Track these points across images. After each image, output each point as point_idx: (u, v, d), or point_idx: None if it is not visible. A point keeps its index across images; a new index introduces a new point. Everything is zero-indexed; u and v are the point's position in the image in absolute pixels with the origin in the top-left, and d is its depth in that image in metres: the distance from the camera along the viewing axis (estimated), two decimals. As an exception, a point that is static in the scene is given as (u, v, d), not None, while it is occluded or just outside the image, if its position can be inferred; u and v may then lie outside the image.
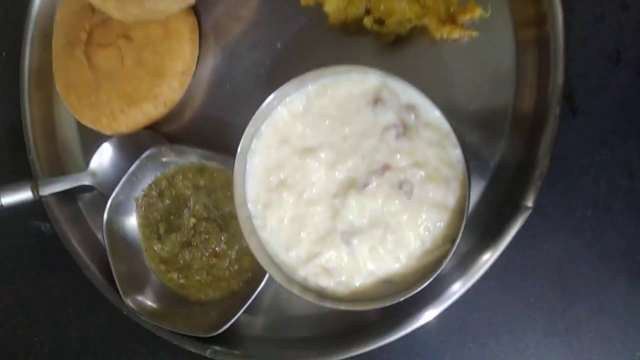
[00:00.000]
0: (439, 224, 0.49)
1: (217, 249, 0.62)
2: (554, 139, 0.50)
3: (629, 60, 0.51)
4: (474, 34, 0.54)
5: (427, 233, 0.49)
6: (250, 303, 0.58)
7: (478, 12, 0.54)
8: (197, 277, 0.63)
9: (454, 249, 0.47)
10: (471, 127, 0.55)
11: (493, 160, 0.55)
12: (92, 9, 0.64)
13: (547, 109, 0.50)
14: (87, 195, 0.71)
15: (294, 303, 0.60)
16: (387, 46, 0.57)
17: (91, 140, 0.69)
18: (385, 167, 0.49)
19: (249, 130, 0.53)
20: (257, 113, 0.52)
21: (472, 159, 0.53)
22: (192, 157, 0.64)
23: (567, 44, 0.50)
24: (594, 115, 0.53)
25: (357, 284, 0.51)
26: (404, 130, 0.48)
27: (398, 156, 0.49)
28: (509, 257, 0.52)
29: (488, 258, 0.51)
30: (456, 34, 0.54)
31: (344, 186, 0.50)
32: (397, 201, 0.49)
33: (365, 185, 0.49)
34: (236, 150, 0.54)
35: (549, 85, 0.51)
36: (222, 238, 0.62)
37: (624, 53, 0.52)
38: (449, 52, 0.56)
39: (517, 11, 0.54)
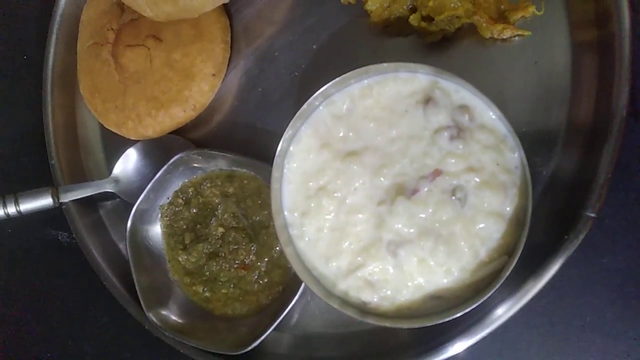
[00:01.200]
0: (495, 234, 0.45)
1: (246, 260, 0.59)
2: (617, 146, 0.46)
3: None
4: (527, 33, 0.52)
5: (481, 244, 0.45)
6: (281, 319, 0.54)
7: (531, 10, 0.51)
8: (224, 290, 0.59)
9: (514, 262, 0.43)
10: (523, 132, 0.51)
11: (547, 168, 0.51)
12: (121, 7, 0.63)
13: (610, 115, 0.47)
14: (109, 203, 0.68)
15: (324, 320, 0.56)
16: (432, 46, 0.54)
17: (115, 145, 0.67)
18: (437, 173, 0.46)
19: (287, 133, 0.50)
20: (297, 114, 0.49)
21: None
22: (221, 163, 0.61)
23: (633, 45, 0.47)
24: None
25: (403, 299, 0.47)
26: (458, 132, 0.45)
27: (452, 160, 0.45)
28: (563, 272, 0.48)
29: (544, 274, 0.47)
30: (507, 33, 0.51)
31: (391, 193, 0.47)
32: (449, 209, 0.45)
33: (414, 191, 0.46)
34: (268, 156, 0.51)
35: (612, 90, 0.47)
36: (252, 249, 0.59)
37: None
38: (499, 52, 0.53)
39: (575, 9, 0.51)
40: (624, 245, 0.50)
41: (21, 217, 0.62)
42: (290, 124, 0.49)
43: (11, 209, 0.61)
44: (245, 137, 0.62)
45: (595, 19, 0.49)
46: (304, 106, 0.49)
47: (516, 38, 0.52)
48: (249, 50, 0.63)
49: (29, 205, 0.62)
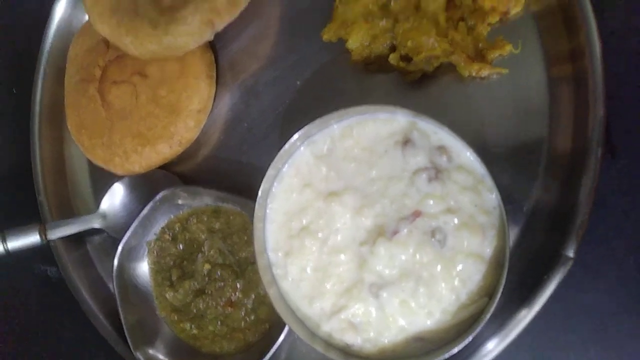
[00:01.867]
0: (475, 276, 0.45)
1: (232, 297, 0.59)
2: (594, 184, 0.47)
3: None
4: (504, 71, 0.52)
5: (462, 286, 0.45)
6: (269, 358, 0.54)
7: (508, 49, 0.52)
8: (211, 328, 0.60)
9: (494, 304, 0.43)
10: (503, 169, 0.52)
11: (527, 204, 0.51)
12: (107, 45, 0.63)
13: (586, 152, 0.48)
14: (97, 237, 0.68)
15: (312, 359, 0.56)
16: (412, 84, 0.54)
17: (102, 179, 0.67)
18: (416, 214, 0.46)
19: (270, 172, 0.50)
20: (279, 154, 0.50)
21: (505, 202, 0.49)
22: (207, 199, 0.61)
23: (606, 80, 0.47)
24: (634, 156, 0.50)
25: (386, 341, 0.47)
26: (436, 173, 0.46)
27: (430, 202, 0.46)
28: (547, 308, 0.49)
29: (526, 313, 0.48)
30: (485, 72, 0.52)
31: (372, 233, 0.47)
32: (429, 250, 0.45)
33: (395, 232, 0.46)
34: (253, 192, 0.52)
35: (587, 126, 0.48)
36: (238, 286, 0.59)
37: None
38: (478, 89, 0.53)
39: (550, 46, 0.52)
40: (604, 281, 0.50)
41: (8, 255, 0.62)
42: (272, 164, 0.50)
43: None
44: (231, 171, 0.63)
45: (570, 55, 0.50)
46: (286, 146, 0.50)
47: (494, 75, 0.53)
48: (234, 85, 0.63)
49: (16, 243, 0.62)
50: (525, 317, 0.47)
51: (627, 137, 0.50)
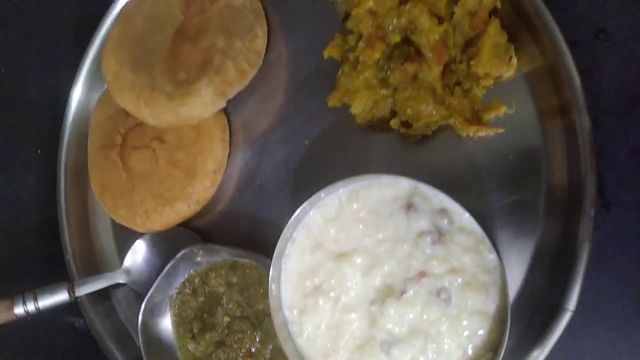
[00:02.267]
0: (480, 331, 0.48)
1: (251, 348, 0.62)
2: (590, 239, 0.49)
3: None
4: (500, 130, 0.55)
5: (468, 342, 0.48)
6: None
7: (503, 110, 0.55)
8: None
9: (499, 358, 0.46)
10: (504, 222, 0.55)
11: (528, 255, 0.54)
12: (127, 113, 0.67)
13: (581, 208, 0.50)
14: (121, 290, 0.72)
15: None
16: (413, 143, 0.58)
17: (125, 236, 0.71)
18: (422, 274, 0.49)
19: (283, 234, 0.53)
20: (291, 219, 0.53)
21: (506, 258, 0.52)
22: (224, 254, 0.64)
23: (595, 135, 0.50)
24: (628, 209, 0.53)
25: (399, 395, 0.49)
26: (439, 236, 0.49)
27: (434, 263, 0.48)
28: (552, 356, 0.51)
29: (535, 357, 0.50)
30: (482, 132, 0.55)
31: (381, 293, 0.50)
32: (435, 309, 0.48)
33: (403, 292, 0.49)
34: (267, 245, 0.55)
35: (580, 182, 0.51)
36: (256, 337, 0.62)
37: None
38: (476, 146, 0.56)
39: (542, 105, 0.55)
40: (604, 330, 0.52)
41: (39, 313, 0.66)
42: (285, 227, 0.53)
43: (30, 307, 0.64)
44: (246, 225, 0.66)
45: (560, 113, 0.53)
46: (297, 211, 0.53)
47: (491, 134, 0.56)
48: (246, 144, 0.67)
49: (46, 301, 0.65)
50: (531, 367, 0.50)
51: (620, 192, 0.53)
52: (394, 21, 0.51)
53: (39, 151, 0.79)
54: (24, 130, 0.78)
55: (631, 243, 0.52)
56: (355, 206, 0.52)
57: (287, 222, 0.53)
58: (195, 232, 0.68)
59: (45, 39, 0.74)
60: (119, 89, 0.62)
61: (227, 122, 0.67)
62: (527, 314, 0.52)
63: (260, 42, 0.61)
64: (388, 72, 0.52)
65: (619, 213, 0.53)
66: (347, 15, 0.56)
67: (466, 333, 0.48)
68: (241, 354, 0.62)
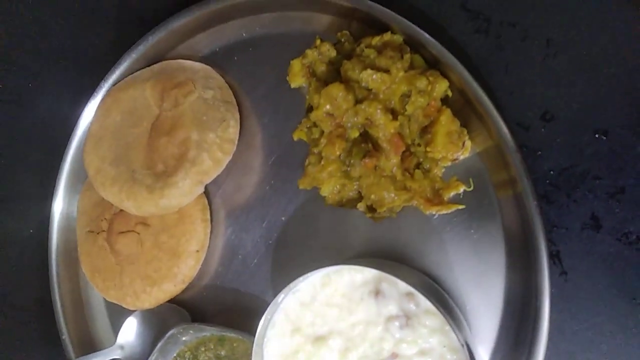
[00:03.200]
0: (451, 408, 0.51)
1: (243, 420, 0.65)
2: (548, 310, 0.53)
3: (609, 226, 0.55)
4: (461, 207, 0.59)
5: (441, 418, 0.51)
6: None
7: (461, 188, 0.59)
8: None
9: None
10: (472, 290, 0.58)
11: (497, 321, 0.58)
12: (111, 201, 0.71)
13: (538, 276, 0.54)
14: None
15: None
16: (382, 221, 0.61)
17: (117, 311, 0.74)
18: (394, 355, 0.52)
19: (264, 319, 0.56)
20: (270, 305, 0.56)
21: (473, 332, 0.56)
22: (211, 331, 0.68)
23: (548, 209, 0.54)
24: (583, 279, 0.57)
25: None
26: (407, 320, 0.52)
27: (404, 345, 0.52)
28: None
29: None
30: (444, 210, 0.58)
31: (358, 375, 0.53)
32: (409, 389, 0.52)
33: (377, 374, 0.52)
34: (252, 317, 0.58)
35: (535, 250, 0.54)
36: (248, 408, 0.65)
37: (602, 220, 0.55)
38: (440, 222, 0.60)
39: (495, 179, 0.59)
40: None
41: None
42: (265, 312, 0.56)
43: None
44: (231, 297, 0.69)
45: (511, 187, 0.57)
46: (275, 298, 0.56)
47: (453, 210, 0.59)
48: (228, 220, 0.70)
49: None
50: None
51: (576, 262, 0.56)
52: (352, 119, 0.55)
53: (31, 231, 0.83)
54: (17, 212, 0.82)
55: (588, 309, 0.56)
56: (328, 291, 0.56)
57: (268, 295, 0.57)
58: (183, 306, 0.71)
59: (30, 130, 0.79)
60: (101, 183, 0.65)
61: (207, 202, 0.70)
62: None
63: (233, 130, 0.65)
64: (350, 167, 0.56)
65: (576, 281, 0.56)
66: (311, 108, 0.60)
67: (438, 410, 0.51)
68: None
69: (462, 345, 0.50)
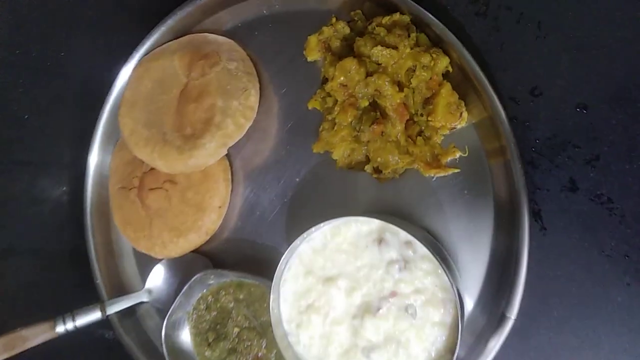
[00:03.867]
0: (440, 338, 0.60)
1: (259, 354, 0.74)
2: (527, 256, 0.62)
3: (584, 188, 0.63)
4: (456, 170, 0.67)
5: (431, 346, 0.60)
6: None
7: (458, 154, 0.66)
8: None
9: (454, 358, 0.58)
10: (463, 244, 0.67)
11: (483, 270, 0.66)
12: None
13: (520, 231, 0.62)
14: (144, 306, 0.83)
15: None
16: (386, 182, 0.69)
17: (145, 261, 0.81)
18: (393, 294, 0.61)
19: (280, 264, 0.65)
20: (286, 251, 0.64)
21: (462, 276, 0.64)
22: (231, 276, 0.76)
23: (526, 173, 0.62)
24: (559, 234, 0.65)
25: (378, 389, 0.62)
26: (405, 264, 0.60)
27: (402, 285, 0.60)
28: (503, 354, 0.64)
29: (489, 351, 0.63)
30: (442, 173, 0.66)
31: (361, 309, 0.62)
32: (404, 322, 0.60)
33: (378, 309, 0.61)
34: (267, 265, 0.66)
35: (519, 211, 0.62)
36: (262, 344, 0.74)
37: (579, 182, 0.63)
38: (438, 184, 0.68)
39: (487, 147, 0.66)
40: (545, 328, 0.65)
41: (76, 330, 0.77)
42: (282, 257, 0.64)
43: (69, 325, 0.76)
44: (249, 249, 0.76)
45: (500, 152, 0.64)
46: (292, 244, 0.64)
47: (450, 174, 0.67)
48: (247, 181, 0.77)
49: (82, 320, 0.76)
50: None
51: (554, 219, 0.64)
52: (363, 90, 0.62)
53: (64, 189, 0.91)
54: (53, 171, 0.89)
55: (562, 260, 0.64)
56: (337, 239, 0.64)
57: (283, 247, 0.64)
58: (206, 256, 0.79)
59: (65, 98, 0.86)
60: (135, 144, 0.73)
61: (229, 164, 0.77)
62: (480, 322, 0.64)
63: (254, 98, 0.72)
64: (359, 132, 0.64)
65: (553, 236, 0.64)
66: (325, 80, 0.67)
67: (429, 339, 0.60)
68: (250, 359, 0.74)
69: (451, 285, 0.58)
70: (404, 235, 0.61)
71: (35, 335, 0.76)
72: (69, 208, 0.87)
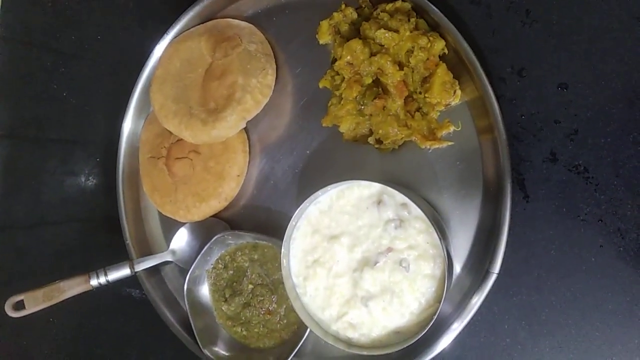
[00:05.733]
0: (430, 289, 0.67)
1: (270, 307, 0.82)
2: (509, 219, 0.69)
3: (563, 160, 0.70)
4: (450, 143, 0.74)
5: (422, 296, 0.67)
6: (298, 349, 0.75)
7: (452, 128, 0.73)
8: (256, 330, 0.80)
9: (440, 307, 0.65)
10: (454, 208, 0.74)
11: (471, 233, 0.73)
12: (170, 132, 0.87)
13: (504, 197, 0.69)
14: (168, 266, 0.92)
15: (329, 349, 0.75)
16: (386, 153, 0.77)
17: (170, 225, 0.89)
18: (389, 249, 0.68)
19: (290, 224, 0.73)
20: (295, 212, 0.72)
21: (452, 236, 0.72)
22: (247, 238, 0.84)
23: (512, 145, 0.69)
24: (541, 201, 0.72)
25: (375, 335, 0.69)
26: (400, 223, 0.68)
27: (397, 241, 0.68)
28: (488, 308, 0.71)
29: (473, 305, 0.70)
30: (437, 145, 0.74)
31: (361, 263, 0.70)
32: (399, 274, 0.68)
33: (376, 262, 0.69)
34: (280, 230, 0.74)
35: (503, 179, 0.69)
36: (273, 299, 0.81)
37: (559, 154, 0.70)
38: (433, 156, 0.75)
39: (478, 123, 0.73)
40: (526, 287, 0.72)
41: (108, 284, 0.86)
42: (292, 218, 0.72)
43: (102, 280, 0.85)
44: (263, 215, 0.84)
45: (489, 129, 0.71)
46: (300, 206, 0.72)
47: (444, 146, 0.75)
48: (262, 154, 0.84)
49: (114, 275, 0.84)
50: (468, 314, 0.70)
51: (536, 188, 0.71)
52: (367, 68, 0.70)
53: (97, 159, 1.00)
54: (87, 144, 0.99)
55: (544, 225, 0.71)
56: (341, 202, 0.71)
57: (293, 213, 0.71)
58: (225, 221, 0.86)
59: (102, 77, 0.95)
60: (164, 116, 0.82)
61: (247, 137, 0.85)
62: (466, 276, 0.71)
63: (271, 77, 0.81)
64: (363, 106, 0.72)
65: (535, 203, 0.71)
66: (335, 60, 0.75)
67: (420, 290, 0.67)
68: (262, 312, 0.82)
69: (441, 242, 0.66)
70: (400, 197, 0.68)
71: (72, 287, 0.85)
72: (102, 178, 0.97)
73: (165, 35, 0.86)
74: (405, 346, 0.67)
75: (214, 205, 0.85)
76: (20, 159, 1.00)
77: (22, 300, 0.82)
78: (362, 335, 0.70)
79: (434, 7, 0.71)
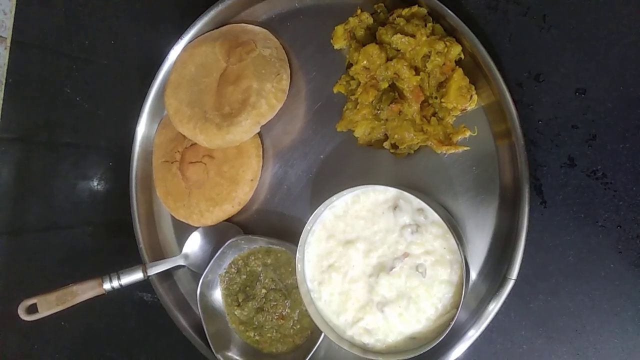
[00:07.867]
0: (446, 295, 0.67)
1: (283, 312, 0.81)
2: (527, 225, 0.68)
3: (581, 165, 0.70)
4: (466, 148, 0.74)
5: (438, 302, 0.67)
6: (311, 355, 0.75)
7: (468, 133, 0.73)
8: (269, 335, 0.80)
9: (458, 313, 0.65)
10: (471, 214, 0.73)
11: (488, 239, 0.73)
12: (184, 136, 0.87)
13: (522, 204, 0.69)
14: (181, 270, 0.91)
15: (342, 355, 0.74)
16: (401, 158, 0.76)
17: (182, 229, 0.90)
18: (405, 255, 0.68)
19: (305, 228, 0.72)
20: (310, 217, 0.72)
21: (468, 241, 0.71)
22: (260, 242, 0.84)
23: (529, 151, 0.69)
24: (559, 206, 0.71)
25: (390, 341, 0.69)
26: (417, 228, 0.68)
27: (414, 247, 0.68)
28: (504, 314, 0.70)
29: (490, 312, 0.70)
30: (452, 150, 0.73)
31: (376, 269, 0.69)
32: (415, 280, 0.67)
33: (392, 268, 0.69)
34: (293, 235, 0.74)
35: (520, 184, 0.69)
36: (287, 304, 0.81)
37: (577, 160, 0.70)
38: (449, 161, 0.75)
39: (495, 128, 0.73)
40: (543, 294, 0.71)
41: (121, 288, 0.86)
42: (307, 222, 0.72)
43: (114, 284, 0.85)
44: (276, 220, 0.84)
45: (506, 134, 0.71)
46: (316, 211, 0.72)
47: (460, 151, 0.74)
48: (276, 158, 0.84)
49: (127, 279, 0.85)
50: (485, 321, 0.69)
51: (554, 194, 0.71)
52: (383, 73, 0.70)
53: (110, 164, 1.00)
54: (100, 148, 0.99)
55: (561, 232, 0.70)
56: (357, 206, 0.71)
57: (308, 218, 0.71)
58: (238, 225, 0.86)
59: (115, 81, 0.95)
60: (179, 121, 0.82)
61: (260, 142, 0.86)
62: (484, 282, 0.71)
63: (285, 82, 0.81)
64: (379, 111, 0.71)
65: (553, 209, 0.71)
66: (350, 65, 0.75)
67: (437, 296, 0.67)
68: (275, 317, 0.82)
69: (458, 247, 0.65)
70: (417, 202, 0.68)
71: (85, 291, 0.85)
72: (114, 182, 0.97)
73: (179, 40, 0.87)
74: (422, 352, 0.67)
75: (227, 209, 0.85)
76: (33, 163, 1.00)
77: (35, 304, 0.82)
78: (377, 341, 0.70)
79: (450, 12, 0.71)
